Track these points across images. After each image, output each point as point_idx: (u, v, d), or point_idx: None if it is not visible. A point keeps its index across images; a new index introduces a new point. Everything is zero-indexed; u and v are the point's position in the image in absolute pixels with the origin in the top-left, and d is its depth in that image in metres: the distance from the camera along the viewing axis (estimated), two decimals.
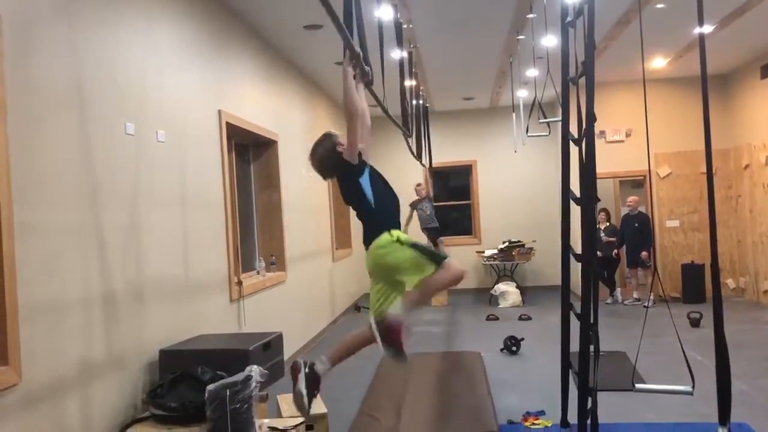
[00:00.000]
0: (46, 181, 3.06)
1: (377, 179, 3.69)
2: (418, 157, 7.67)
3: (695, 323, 7.57)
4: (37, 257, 2.94)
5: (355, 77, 3.42)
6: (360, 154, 3.57)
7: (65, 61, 3.26)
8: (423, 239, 9.28)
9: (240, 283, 5.48)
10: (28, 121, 2.95)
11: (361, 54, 3.12)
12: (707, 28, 6.87)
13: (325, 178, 3.82)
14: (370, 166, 3.69)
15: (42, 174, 3.03)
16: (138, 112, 3.95)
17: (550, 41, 6.12)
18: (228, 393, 3.09)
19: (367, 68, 3.12)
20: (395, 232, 3.50)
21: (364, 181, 3.60)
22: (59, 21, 3.23)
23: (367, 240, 3.57)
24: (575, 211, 3.19)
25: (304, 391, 3.32)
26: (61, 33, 3.24)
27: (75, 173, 3.28)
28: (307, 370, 3.38)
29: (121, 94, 3.79)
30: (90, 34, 3.49)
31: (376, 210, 3.58)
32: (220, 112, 5.30)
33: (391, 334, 3.39)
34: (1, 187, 2.71)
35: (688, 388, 2.81)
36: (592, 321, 2.92)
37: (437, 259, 3.36)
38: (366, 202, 3.57)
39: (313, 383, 3.42)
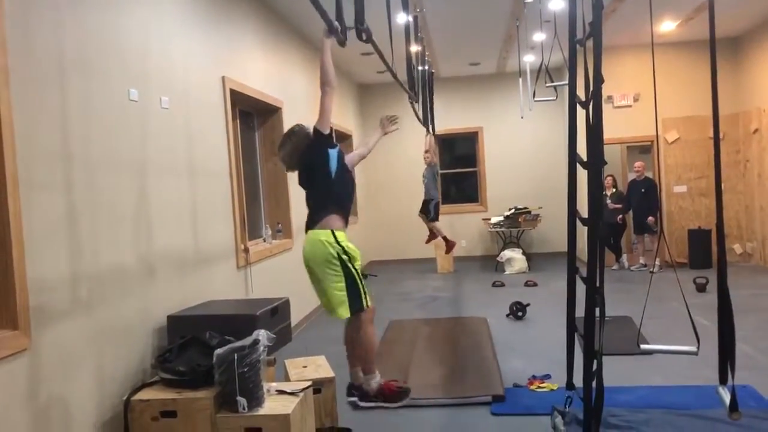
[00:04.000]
0: (51, 148, 3.05)
1: (341, 160, 3.82)
2: (425, 123, 7.62)
3: (701, 288, 7.58)
4: (44, 223, 2.95)
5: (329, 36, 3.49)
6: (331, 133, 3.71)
7: (67, 26, 3.23)
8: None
9: (247, 250, 5.51)
10: (31, 86, 2.94)
11: (339, 27, 3.13)
12: None
13: (291, 169, 3.94)
14: (339, 148, 3.82)
15: (46, 141, 3.02)
16: (141, 77, 3.93)
17: (557, 4, 6.03)
18: (236, 357, 3.11)
19: (336, 25, 3.13)
20: (339, 235, 3.68)
21: (332, 152, 3.72)
22: None
23: (314, 219, 3.75)
24: (582, 175, 3.17)
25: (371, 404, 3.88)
26: None
27: (78, 139, 3.27)
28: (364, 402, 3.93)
29: (125, 60, 3.76)
30: None
31: (334, 182, 3.69)
32: (224, 78, 5.26)
33: (386, 393, 3.77)
34: (7, 155, 2.71)
35: (693, 349, 2.82)
36: (597, 284, 2.92)
37: (355, 307, 3.68)
38: (327, 173, 3.68)
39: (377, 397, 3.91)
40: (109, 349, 3.41)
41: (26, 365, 2.79)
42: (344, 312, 3.75)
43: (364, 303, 3.77)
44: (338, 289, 3.73)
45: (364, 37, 3.39)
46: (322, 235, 3.69)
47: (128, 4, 3.85)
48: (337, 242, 3.70)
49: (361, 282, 3.78)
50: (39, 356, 2.87)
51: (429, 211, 9.06)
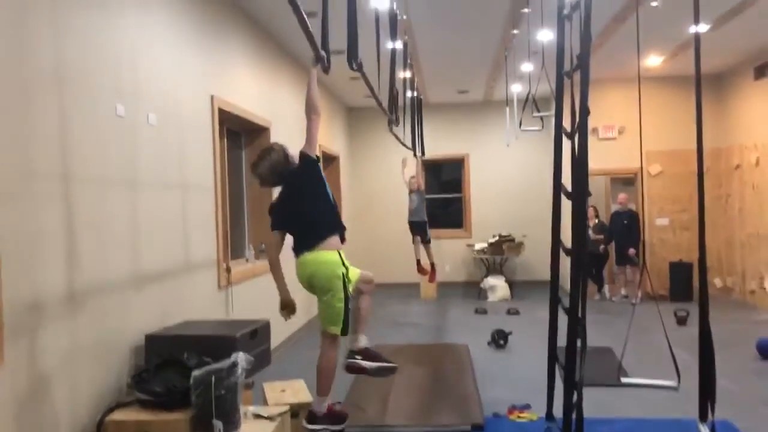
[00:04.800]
0: (35, 161, 3.02)
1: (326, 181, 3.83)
2: (413, 148, 7.64)
3: (682, 321, 7.61)
4: (23, 239, 2.91)
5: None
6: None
7: (56, 39, 3.22)
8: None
9: (229, 270, 5.46)
10: (18, 99, 2.91)
11: (324, 56, 3.17)
12: (702, 28, 6.88)
13: (267, 185, 3.92)
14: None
15: (30, 154, 2.99)
16: (129, 94, 3.92)
17: (546, 36, 6.10)
18: (213, 379, 3.07)
19: (323, 54, 3.17)
20: (344, 258, 3.70)
21: (323, 178, 3.74)
22: (50, 1, 3.19)
23: (311, 242, 3.66)
24: (566, 205, 3.19)
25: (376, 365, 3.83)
26: (52, 10, 3.20)
27: (62, 155, 3.24)
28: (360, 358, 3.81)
29: (113, 75, 3.75)
30: (82, 11, 3.45)
31: (332, 205, 3.71)
32: (212, 97, 5.26)
33: (374, 356, 3.72)
34: None
35: (673, 383, 2.83)
36: (579, 315, 2.93)
37: (344, 329, 3.68)
38: (326, 197, 3.69)
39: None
40: (86, 368, 3.35)
41: (1, 382, 2.73)
42: (336, 328, 3.67)
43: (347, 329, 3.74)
44: (338, 308, 3.67)
45: (355, 68, 3.45)
46: (330, 255, 3.63)
47: (118, 20, 3.84)
48: (343, 264, 3.67)
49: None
50: (13, 374, 2.81)
51: (426, 233, 8.89)
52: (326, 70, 3.31)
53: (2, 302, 2.74)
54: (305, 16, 2.60)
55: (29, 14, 3.03)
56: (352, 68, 3.45)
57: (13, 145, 2.87)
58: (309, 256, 3.63)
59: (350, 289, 3.69)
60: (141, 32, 4.12)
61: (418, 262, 8.56)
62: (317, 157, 3.76)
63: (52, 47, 3.19)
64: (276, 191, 4.06)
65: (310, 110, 3.73)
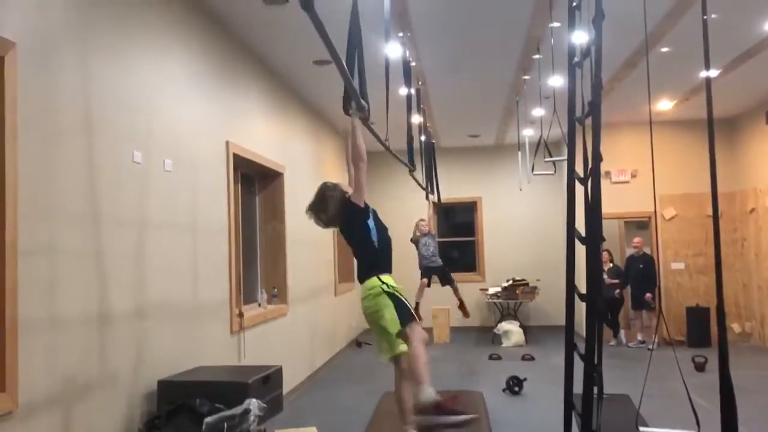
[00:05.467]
0: (53, 204, 3.07)
1: (378, 220, 3.92)
2: (429, 190, 7.69)
3: (700, 367, 7.47)
4: (39, 282, 2.93)
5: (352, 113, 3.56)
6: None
7: (76, 88, 3.30)
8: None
9: (241, 314, 5.45)
10: (38, 145, 2.97)
11: (366, 107, 3.22)
12: (713, 72, 6.93)
13: (328, 226, 4.02)
14: (372, 209, 3.91)
15: (49, 197, 3.04)
16: (146, 140, 3.98)
17: (557, 81, 6.17)
18: (226, 426, 3.05)
19: (364, 104, 3.23)
20: (385, 278, 3.89)
21: (371, 222, 3.82)
22: (72, 48, 3.28)
23: (362, 276, 3.96)
24: (580, 250, 3.17)
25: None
26: (74, 60, 3.29)
27: (81, 198, 3.29)
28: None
29: (130, 122, 3.82)
30: (101, 61, 3.54)
31: (379, 249, 3.80)
32: (227, 143, 5.33)
33: (443, 408, 3.69)
34: (8, 210, 2.73)
35: None
36: (595, 362, 2.88)
37: (405, 320, 3.80)
38: (370, 242, 3.79)
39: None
40: (98, 413, 3.33)
41: (12, 428, 2.71)
42: (392, 347, 3.84)
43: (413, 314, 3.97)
44: (390, 316, 3.82)
45: (349, 114, 3.55)
46: (369, 282, 3.92)
47: (136, 68, 3.93)
48: (381, 281, 3.87)
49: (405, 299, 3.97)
50: (25, 420, 2.80)
51: (449, 277, 8.91)
52: (366, 119, 3.37)
53: (18, 348, 2.74)
54: (347, 69, 2.64)
55: (54, 65, 3.11)
56: (347, 114, 3.52)
57: (36, 188, 2.91)
58: (362, 291, 3.94)
59: (399, 291, 3.89)
60: (159, 80, 4.21)
61: (417, 305, 8.47)
62: (365, 204, 3.86)
63: (73, 97, 3.26)
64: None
65: (357, 158, 3.77)
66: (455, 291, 8.82)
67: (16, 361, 2.73)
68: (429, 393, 3.84)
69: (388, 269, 4.02)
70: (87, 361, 3.26)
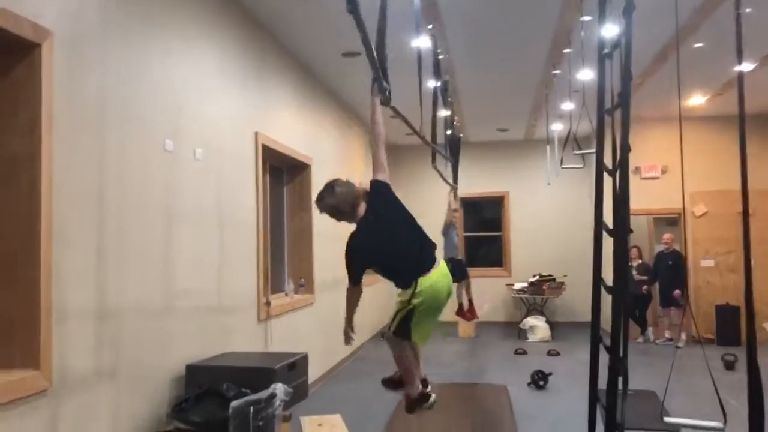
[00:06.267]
0: (86, 192, 3.14)
1: None
2: (453, 183, 7.66)
3: (729, 366, 7.37)
4: (73, 268, 3.01)
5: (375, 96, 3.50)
6: None
7: (111, 77, 3.37)
8: None
9: (268, 303, 5.52)
10: (72, 133, 3.04)
11: (387, 88, 3.22)
12: (746, 66, 6.81)
13: (340, 217, 3.63)
14: None
15: (82, 185, 3.11)
16: (177, 129, 4.05)
17: (587, 75, 6.12)
18: (252, 410, 3.10)
19: (385, 86, 3.23)
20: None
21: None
22: (107, 38, 3.35)
23: (431, 258, 3.50)
24: (607, 244, 3.16)
25: None
26: (109, 50, 3.36)
27: (114, 185, 3.36)
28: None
29: (162, 111, 3.89)
30: (136, 51, 3.61)
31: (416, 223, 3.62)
32: (256, 134, 5.39)
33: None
34: (44, 197, 2.80)
35: (720, 425, 2.74)
36: (621, 354, 2.87)
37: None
38: (410, 215, 3.61)
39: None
40: (128, 395, 3.41)
41: (46, 406, 2.80)
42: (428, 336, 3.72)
43: None
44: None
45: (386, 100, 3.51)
46: (443, 267, 3.56)
47: (170, 58, 4.00)
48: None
49: None
50: (58, 398, 2.88)
51: (465, 271, 8.46)
52: (387, 102, 3.36)
53: (52, 329, 2.82)
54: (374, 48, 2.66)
55: (89, 54, 3.18)
56: (381, 103, 3.52)
57: (70, 175, 2.99)
58: (437, 272, 3.46)
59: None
60: (190, 70, 4.28)
61: (461, 305, 8.12)
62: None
63: (106, 85, 3.33)
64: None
65: (376, 138, 3.67)
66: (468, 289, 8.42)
67: (50, 343, 2.81)
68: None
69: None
70: (117, 345, 3.34)
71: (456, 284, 8.03)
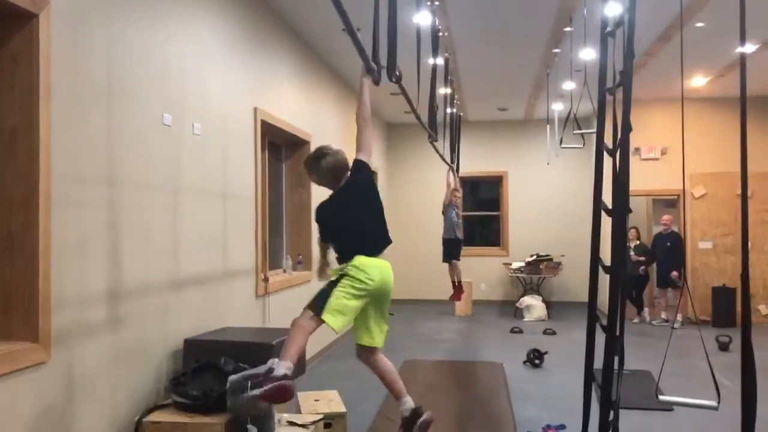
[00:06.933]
0: (84, 166, 3.13)
1: None
2: (451, 162, 7.64)
3: (724, 347, 7.43)
4: (72, 241, 3.01)
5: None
6: None
7: (108, 49, 3.34)
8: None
9: (266, 279, 5.54)
10: (70, 106, 3.02)
11: (375, 67, 3.23)
12: (749, 48, 6.77)
13: (326, 182, 3.74)
14: None
15: (80, 159, 3.10)
16: (176, 103, 4.03)
17: (588, 54, 6.08)
18: (249, 384, 3.11)
19: (373, 66, 3.25)
20: None
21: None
22: (106, 10, 3.31)
23: (378, 248, 3.64)
24: (606, 225, 3.17)
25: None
26: (105, 21, 3.32)
27: (111, 159, 3.35)
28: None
29: (161, 85, 3.86)
30: (133, 23, 3.57)
31: (383, 217, 3.71)
32: (255, 109, 5.36)
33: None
34: (42, 171, 2.79)
35: (713, 403, 2.76)
36: (617, 333, 2.89)
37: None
38: (380, 205, 3.71)
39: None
40: (126, 369, 3.43)
41: (44, 379, 2.81)
42: (382, 340, 3.73)
43: None
44: (387, 320, 3.73)
45: (394, 80, 3.50)
46: (389, 266, 3.67)
47: (167, 30, 3.96)
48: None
49: None
50: (57, 371, 2.89)
51: (454, 253, 8.38)
52: (377, 81, 3.37)
53: (51, 301, 2.83)
54: (356, 30, 2.69)
55: (87, 25, 3.15)
56: (391, 80, 3.51)
57: (68, 150, 2.97)
58: (380, 262, 3.58)
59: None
60: (189, 45, 4.24)
61: (455, 284, 8.20)
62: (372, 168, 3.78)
63: (105, 58, 3.30)
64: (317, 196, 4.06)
65: (361, 118, 3.71)
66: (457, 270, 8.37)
67: (49, 315, 2.81)
68: (410, 401, 3.77)
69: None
70: (117, 319, 3.35)
71: (447, 265, 8.05)
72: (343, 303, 3.42)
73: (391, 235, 3.79)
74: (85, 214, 3.13)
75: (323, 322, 3.37)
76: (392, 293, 3.71)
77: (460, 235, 8.00)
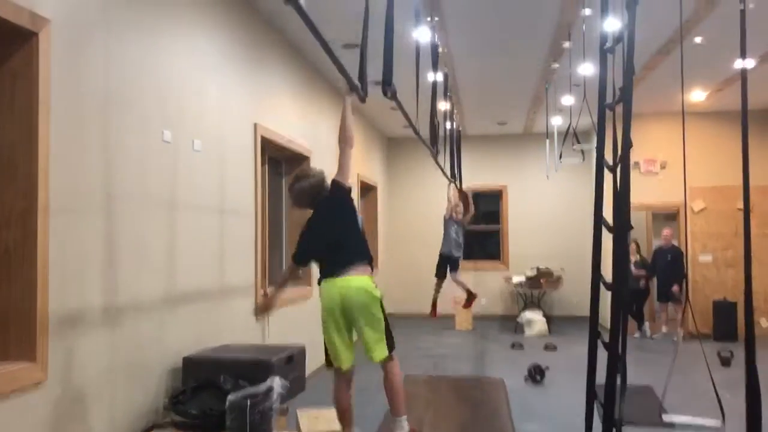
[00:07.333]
0: (83, 182, 3.12)
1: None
2: (453, 178, 7.60)
3: (726, 362, 7.38)
4: (71, 257, 2.99)
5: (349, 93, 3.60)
6: None
7: (109, 66, 3.34)
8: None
9: (266, 295, 5.50)
10: (70, 123, 3.02)
11: (359, 86, 3.23)
12: (749, 63, 6.79)
13: (300, 205, 3.89)
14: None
15: (79, 176, 3.09)
16: (176, 120, 4.02)
17: (587, 69, 6.09)
18: (249, 403, 3.09)
19: (357, 83, 3.26)
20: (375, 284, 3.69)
21: (354, 207, 3.78)
22: (105, 27, 3.32)
23: (346, 267, 3.63)
24: (607, 240, 3.15)
25: None
26: (107, 39, 3.33)
27: (111, 176, 3.34)
28: None
29: (161, 102, 3.86)
30: (134, 41, 3.58)
31: (362, 235, 3.74)
32: (255, 125, 5.36)
33: None
34: (41, 188, 2.78)
35: (718, 423, 2.74)
36: (619, 352, 2.87)
37: (390, 344, 3.65)
38: (356, 226, 3.72)
39: None
40: (124, 387, 3.40)
41: (41, 398, 2.79)
42: (381, 352, 3.67)
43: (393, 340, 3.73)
44: (378, 331, 3.68)
45: (389, 95, 3.48)
46: (365, 281, 3.66)
47: (169, 49, 3.97)
48: (374, 284, 3.70)
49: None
50: (54, 390, 2.87)
51: (442, 273, 8.25)
52: (363, 99, 3.36)
53: (49, 320, 2.81)
54: (329, 46, 2.69)
55: (86, 43, 3.15)
56: (386, 95, 3.49)
57: (68, 166, 2.96)
58: (339, 281, 3.60)
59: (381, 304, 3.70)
60: (188, 62, 4.25)
61: (435, 303, 8.09)
62: (349, 187, 3.79)
63: (104, 75, 3.30)
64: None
65: (342, 140, 3.76)
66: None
67: (46, 334, 2.79)
68: (406, 426, 3.72)
69: (370, 264, 3.80)
70: (115, 337, 3.33)
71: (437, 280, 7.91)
72: (326, 341, 3.68)
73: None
74: (84, 230, 3.11)
75: (338, 369, 3.67)
76: (378, 305, 3.65)
77: (456, 253, 7.90)
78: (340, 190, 3.74)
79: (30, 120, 2.78)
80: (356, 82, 3.27)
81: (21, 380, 2.66)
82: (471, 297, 8.12)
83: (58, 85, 2.92)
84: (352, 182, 4.27)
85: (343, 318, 3.63)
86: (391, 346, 3.70)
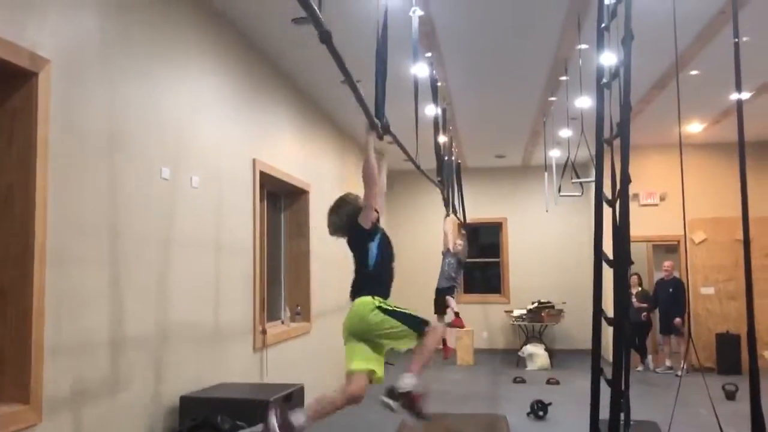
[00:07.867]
0: (82, 221, 3.11)
1: (386, 247, 3.76)
2: (454, 211, 7.60)
3: (730, 396, 7.29)
4: (67, 298, 2.97)
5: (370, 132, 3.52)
6: (375, 220, 3.67)
7: (107, 105, 3.35)
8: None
9: (264, 332, 5.45)
10: (69, 161, 3.02)
11: (379, 124, 3.22)
12: (745, 95, 6.83)
13: (339, 235, 3.81)
14: (383, 232, 3.78)
15: (78, 214, 3.08)
16: (174, 157, 4.03)
17: (584, 102, 6.14)
18: None
19: (376, 122, 3.24)
20: (378, 298, 3.56)
21: (373, 245, 3.71)
22: (105, 67, 3.34)
23: (354, 294, 3.62)
24: (607, 273, 3.13)
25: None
26: (105, 78, 3.35)
27: (110, 214, 3.33)
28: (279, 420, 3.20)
29: (159, 139, 3.87)
30: (132, 78, 3.60)
31: (372, 272, 3.67)
32: (254, 160, 5.37)
33: (411, 402, 3.46)
34: (38, 227, 2.76)
35: None
36: (623, 387, 2.83)
37: (419, 328, 3.47)
38: (365, 263, 3.66)
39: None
40: (121, 428, 3.34)
41: None
42: (411, 340, 3.59)
43: (424, 318, 3.63)
44: (392, 337, 3.59)
45: (381, 131, 3.47)
46: (357, 303, 3.62)
47: (166, 85, 4.00)
48: (373, 298, 3.64)
49: (407, 309, 3.67)
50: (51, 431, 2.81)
51: (449, 291, 8.22)
52: (381, 136, 3.36)
53: (43, 362, 2.77)
54: (358, 85, 2.67)
55: (86, 82, 3.17)
56: (378, 132, 3.47)
57: (65, 203, 2.96)
58: (353, 305, 3.58)
59: (392, 304, 3.58)
60: (187, 99, 4.27)
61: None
62: (374, 226, 3.74)
63: (103, 114, 3.31)
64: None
65: (366, 177, 3.67)
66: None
67: (41, 375, 2.75)
68: (410, 383, 3.63)
69: (382, 294, 3.71)
70: (111, 376, 3.28)
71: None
72: (351, 351, 3.59)
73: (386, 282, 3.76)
74: (82, 270, 3.09)
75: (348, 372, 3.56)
76: (373, 326, 3.59)
77: (448, 284, 7.88)
78: (357, 227, 3.69)
79: (28, 159, 2.78)
80: (376, 120, 3.25)
81: (15, 423, 2.61)
82: (456, 315, 8.04)
83: (58, 125, 2.93)
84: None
85: (358, 337, 3.59)
86: (415, 328, 3.51)
